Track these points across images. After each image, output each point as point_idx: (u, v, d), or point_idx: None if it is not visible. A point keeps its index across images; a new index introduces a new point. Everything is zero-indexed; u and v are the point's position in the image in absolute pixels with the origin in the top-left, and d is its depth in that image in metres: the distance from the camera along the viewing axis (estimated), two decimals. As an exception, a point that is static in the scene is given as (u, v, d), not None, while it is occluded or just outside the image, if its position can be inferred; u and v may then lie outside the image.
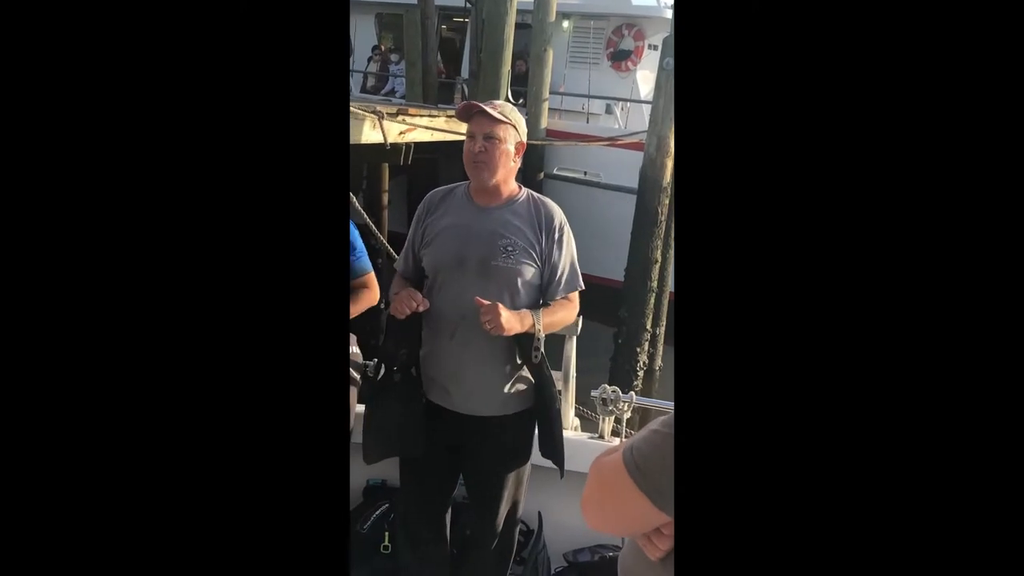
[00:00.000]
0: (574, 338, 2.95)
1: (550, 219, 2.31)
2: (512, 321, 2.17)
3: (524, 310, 2.23)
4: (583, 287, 2.37)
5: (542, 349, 2.27)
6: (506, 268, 2.25)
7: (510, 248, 2.25)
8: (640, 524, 1.13)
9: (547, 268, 2.30)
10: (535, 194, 2.39)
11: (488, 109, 2.25)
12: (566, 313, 2.35)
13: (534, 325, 2.23)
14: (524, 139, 2.36)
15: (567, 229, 2.34)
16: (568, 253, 2.33)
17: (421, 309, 2.22)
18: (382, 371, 2.36)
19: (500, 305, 2.16)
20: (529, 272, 2.27)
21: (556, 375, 3.11)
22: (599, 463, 1.18)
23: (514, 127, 2.29)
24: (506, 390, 2.33)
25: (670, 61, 8.29)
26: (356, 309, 2.72)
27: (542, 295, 2.33)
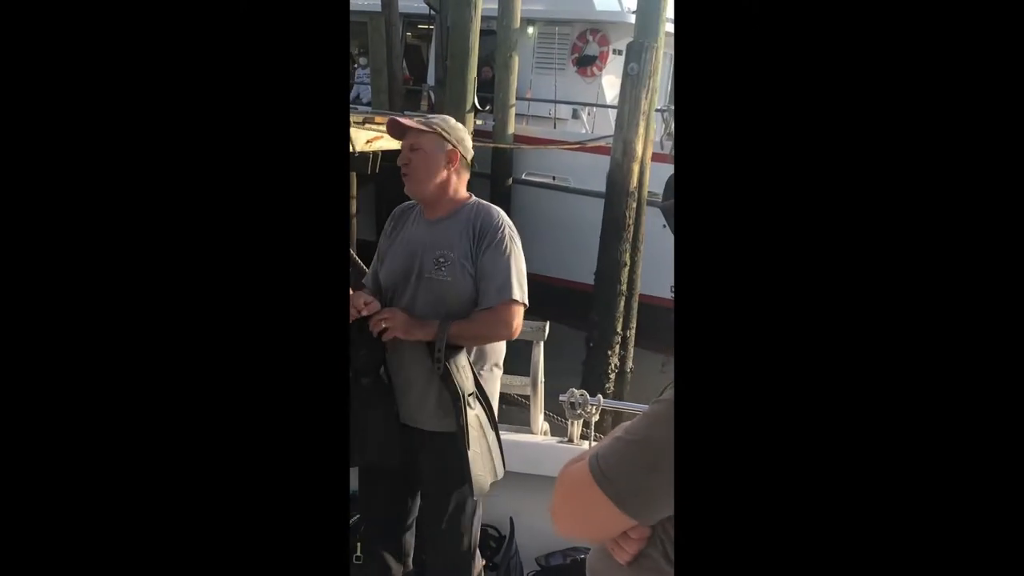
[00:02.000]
0: (541, 343, 2.97)
1: (485, 228, 2.25)
2: (410, 325, 2.17)
3: (432, 320, 2.19)
4: (524, 303, 2.26)
5: (443, 359, 2.18)
6: (439, 281, 2.23)
7: (443, 261, 2.23)
8: (608, 529, 1.14)
9: (478, 276, 2.24)
10: (481, 204, 2.34)
11: (403, 120, 2.27)
12: (486, 329, 2.26)
13: (437, 334, 2.17)
14: (459, 147, 2.31)
15: (506, 237, 2.25)
16: (501, 261, 2.24)
17: (365, 312, 2.19)
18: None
19: (398, 310, 2.17)
20: (463, 284, 2.23)
21: (524, 380, 3.13)
22: (566, 472, 1.19)
23: (440, 134, 2.27)
24: (436, 405, 2.27)
25: (635, 66, 8.38)
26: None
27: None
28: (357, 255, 5.44)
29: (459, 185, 2.33)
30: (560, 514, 1.20)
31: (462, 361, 2.21)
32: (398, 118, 2.29)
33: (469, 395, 2.22)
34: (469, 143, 2.38)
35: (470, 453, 2.21)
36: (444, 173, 2.28)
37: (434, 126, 2.27)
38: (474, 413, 2.23)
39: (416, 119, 2.29)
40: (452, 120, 2.36)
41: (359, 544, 2.88)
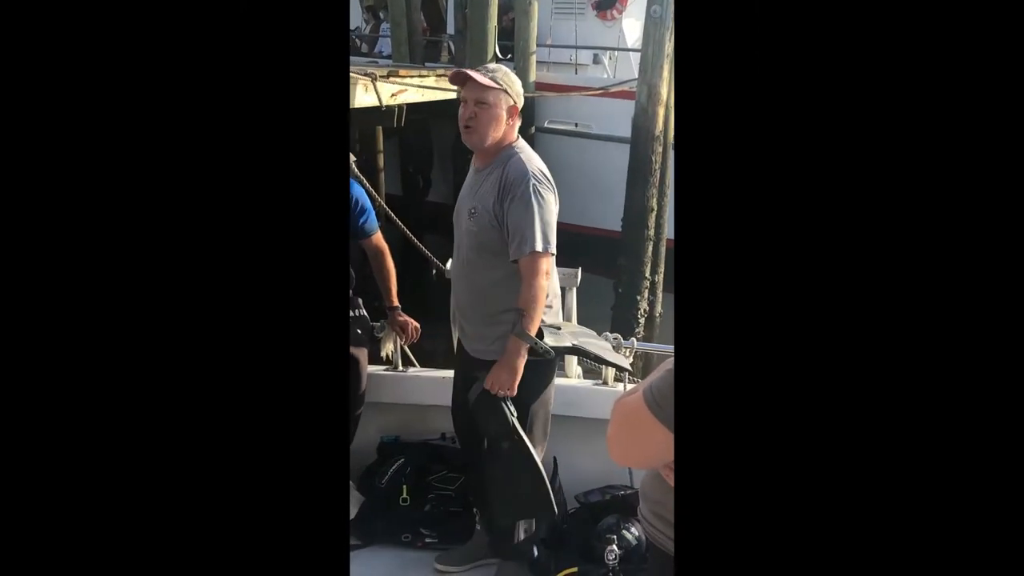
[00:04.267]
0: (574, 290, 3.03)
1: (512, 181, 2.35)
2: (509, 371, 2.36)
3: (511, 340, 2.35)
4: (551, 251, 2.36)
5: (547, 349, 2.40)
6: (470, 231, 2.41)
7: (474, 213, 2.39)
8: (661, 454, 1.22)
9: (506, 229, 2.35)
10: (516, 153, 2.41)
11: (476, 75, 2.33)
12: (528, 293, 2.36)
13: (527, 345, 2.36)
14: (519, 102, 2.41)
15: (531, 189, 2.33)
16: (526, 215, 2.32)
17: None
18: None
19: (491, 376, 2.37)
20: (489, 235, 2.37)
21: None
22: (621, 403, 1.27)
23: (506, 91, 2.36)
24: (495, 334, 2.46)
25: (657, 9, 8.25)
26: (388, 267, 2.91)
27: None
28: (388, 208, 5.49)
29: (510, 134, 2.42)
30: (616, 441, 1.29)
31: (549, 338, 2.41)
32: (468, 72, 2.37)
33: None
34: (522, 92, 2.46)
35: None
36: (504, 128, 2.39)
37: (500, 82, 2.35)
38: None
39: (483, 73, 2.35)
40: (512, 73, 2.44)
41: (404, 487, 3.01)
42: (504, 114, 2.37)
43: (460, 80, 2.40)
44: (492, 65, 2.48)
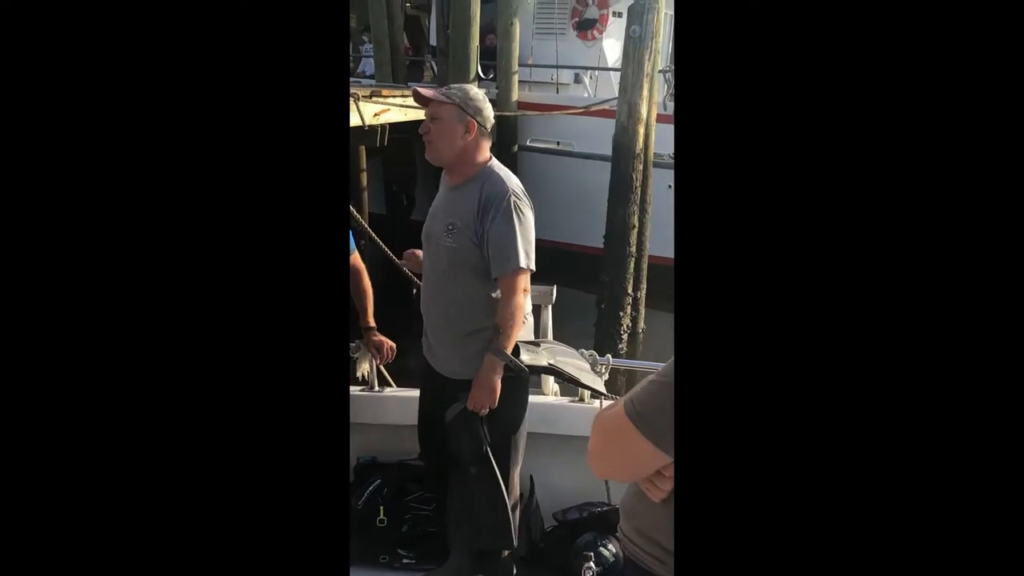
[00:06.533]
0: (549, 307, 3.04)
1: (491, 198, 2.36)
2: (488, 388, 2.38)
3: (488, 357, 2.37)
4: (531, 268, 2.39)
5: (521, 367, 2.41)
6: (448, 247, 2.40)
7: (452, 228, 2.39)
8: (643, 467, 1.22)
9: (486, 246, 2.36)
10: (492, 172, 2.43)
11: (424, 91, 2.41)
12: (508, 309, 2.38)
13: (502, 363, 2.38)
14: (476, 117, 2.41)
15: (512, 206, 2.35)
16: (508, 231, 2.35)
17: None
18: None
19: (472, 396, 2.38)
20: (470, 252, 2.37)
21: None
22: (602, 415, 1.27)
23: (458, 106, 2.38)
24: (464, 354, 2.46)
25: (637, 29, 8.34)
26: (364, 286, 2.92)
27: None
28: (370, 229, 5.48)
29: (476, 153, 2.44)
30: (597, 455, 1.28)
31: (526, 355, 2.42)
32: (419, 89, 2.44)
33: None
34: (488, 112, 2.48)
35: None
36: (461, 142, 2.40)
37: (453, 98, 2.39)
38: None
39: (438, 90, 2.42)
40: (473, 90, 2.47)
41: (381, 508, 2.99)
42: (459, 128, 2.39)
43: (421, 100, 2.46)
44: (456, 85, 2.52)
